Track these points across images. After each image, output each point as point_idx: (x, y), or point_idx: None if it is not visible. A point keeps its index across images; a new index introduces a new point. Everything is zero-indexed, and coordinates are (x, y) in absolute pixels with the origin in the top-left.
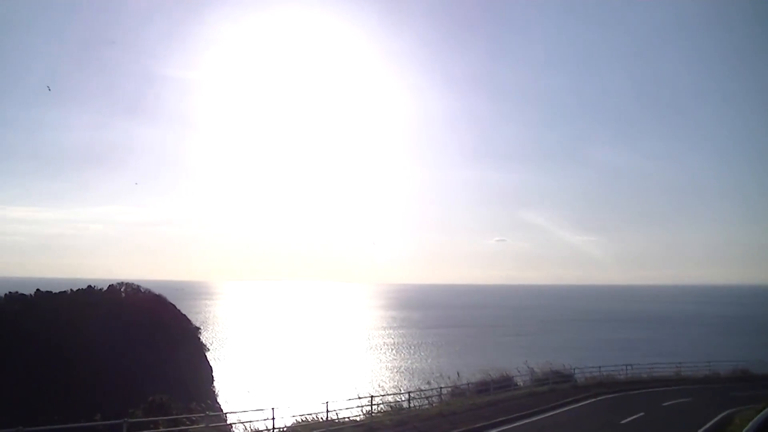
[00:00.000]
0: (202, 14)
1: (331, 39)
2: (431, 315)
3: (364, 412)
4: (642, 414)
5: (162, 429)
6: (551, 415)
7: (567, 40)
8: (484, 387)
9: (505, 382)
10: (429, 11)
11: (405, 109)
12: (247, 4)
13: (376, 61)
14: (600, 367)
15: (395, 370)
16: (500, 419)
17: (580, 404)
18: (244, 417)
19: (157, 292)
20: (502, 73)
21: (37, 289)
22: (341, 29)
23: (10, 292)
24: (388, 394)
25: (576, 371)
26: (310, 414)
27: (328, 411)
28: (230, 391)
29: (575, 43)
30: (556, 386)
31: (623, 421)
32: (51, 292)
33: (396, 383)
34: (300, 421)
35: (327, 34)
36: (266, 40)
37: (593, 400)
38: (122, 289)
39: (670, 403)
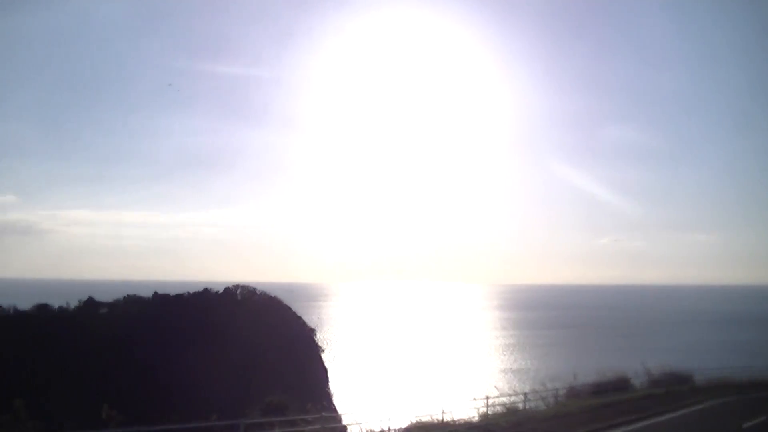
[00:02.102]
0: (310, 15)
1: (435, 37)
2: (545, 316)
3: (480, 413)
4: (765, 418)
5: (278, 430)
6: (669, 418)
7: (676, 36)
8: (599, 388)
9: (620, 384)
10: (535, 8)
11: (509, 108)
12: (354, 4)
13: (480, 60)
14: (719, 368)
15: (510, 371)
16: (617, 421)
17: (699, 406)
18: (359, 418)
19: (271, 293)
20: (608, 70)
21: (155, 292)
22: (445, 27)
23: (128, 295)
24: (503, 395)
25: (694, 373)
26: (426, 415)
27: (443, 412)
28: (346, 392)
29: (685, 39)
30: (673, 388)
31: (746, 425)
32: (168, 294)
33: (511, 384)
34: (415, 422)
35: (431, 33)
36: (372, 40)
37: (712, 402)
38: (238, 292)
39: None
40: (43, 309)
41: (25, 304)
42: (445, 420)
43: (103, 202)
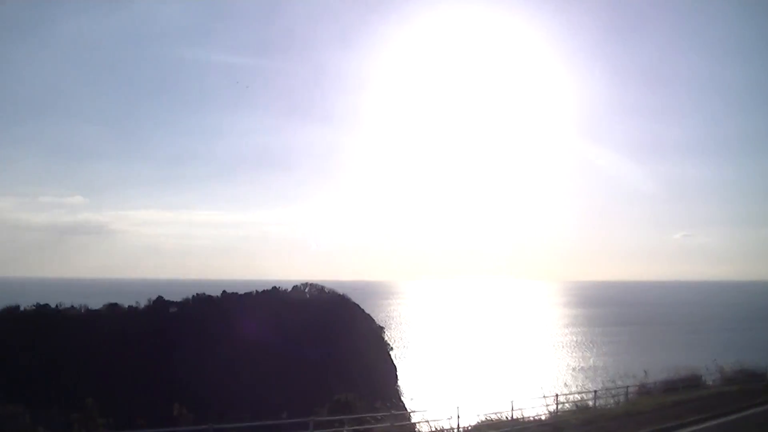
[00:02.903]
0: (371, 14)
1: (496, 32)
2: (614, 312)
3: (550, 410)
4: None
5: (347, 427)
6: (742, 416)
7: (741, 30)
8: (671, 386)
9: (692, 381)
10: (597, 1)
11: (573, 103)
12: (415, 1)
13: (541, 55)
14: None
15: (579, 369)
16: (689, 419)
17: None
18: (428, 416)
19: (339, 292)
20: (673, 64)
21: (224, 291)
22: (506, 22)
23: (197, 294)
24: (573, 393)
25: None
26: (495, 413)
27: (513, 410)
28: (414, 389)
29: (750, 33)
30: (747, 386)
31: None
32: (237, 293)
33: (580, 381)
34: (485, 419)
35: (492, 27)
36: (433, 36)
37: None
38: (306, 290)
39: None
40: (113, 308)
41: (95, 303)
42: (514, 417)
43: (171, 201)
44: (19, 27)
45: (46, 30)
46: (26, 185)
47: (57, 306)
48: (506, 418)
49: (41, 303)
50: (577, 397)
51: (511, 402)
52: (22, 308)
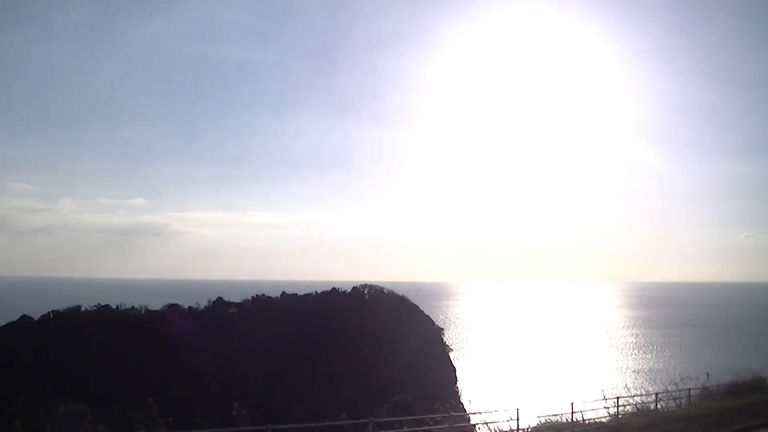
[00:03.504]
0: (429, 13)
1: (555, 32)
2: (674, 314)
3: (610, 413)
4: None
5: (406, 429)
6: None
7: None
8: (734, 389)
9: (757, 384)
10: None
11: (633, 104)
12: (473, 2)
13: (602, 54)
14: None
15: (639, 371)
16: (753, 423)
17: None
18: (487, 417)
19: (399, 293)
20: (737, 63)
21: (283, 292)
22: (564, 21)
23: (257, 295)
24: (634, 396)
25: None
26: (555, 415)
27: (572, 412)
28: (474, 390)
29: None
30: None
31: None
32: (296, 294)
33: (641, 384)
34: (544, 421)
35: (550, 27)
36: (491, 36)
37: None
38: (366, 291)
39: None
40: (173, 309)
41: (155, 304)
42: (574, 420)
43: (230, 203)
44: (80, 32)
45: (106, 35)
46: (87, 187)
47: (117, 306)
48: (566, 420)
49: (102, 303)
50: (638, 399)
51: (571, 404)
52: (83, 309)
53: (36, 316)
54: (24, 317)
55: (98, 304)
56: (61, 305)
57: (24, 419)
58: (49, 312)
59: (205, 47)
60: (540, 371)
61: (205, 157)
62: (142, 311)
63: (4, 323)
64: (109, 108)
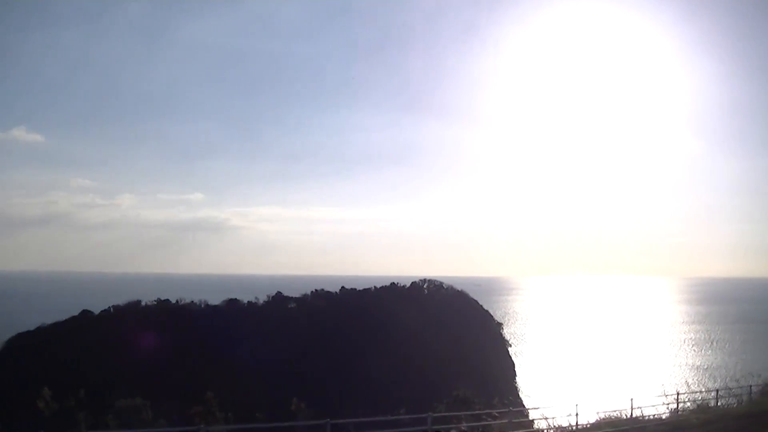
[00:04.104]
0: (491, 10)
1: (615, 26)
2: (737, 310)
3: (670, 409)
4: None
5: (465, 424)
6: None
7: None
8: None
9: None
10: None
11: (693, 98)
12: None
13: (663, 49)
14: None
15: (700, 367)
16: None
17: None
18: (546, 412)
19: (458, 288)
20: None
21: (342, 287)
22: (625, 16)
23: (316, 290)
24: (693, 392)
25: None
26: (614, 411)
27: (632, 408)
28: (532, 385)
29: None
30: None
31: None
32: (355, 289)
33: (701, 380)
34: (603, 417)
35: (611, 23)
36: (551, 32)
37: None
38: (425, 286)
39: None
40: (232, 304)
41: (214, 299)
42: (633, 416)
43: (290, 198)
44: (138, 29)
45: (165, 32)
46: (146, 183)
47: (177, 301)
48: (625, 416)
49: (162, 298)
50: (698, 396)
51: (631, 400)
52: (143, 303)
53: (96, 311)
54: (85, 312)
55: (158, 298)
56: (121, 300)
57: (86, 412)
58: (109, 307)
59: (263, 43)
60: (599, 367)
61: (264, 153)
62: (202, 306)
63: (66, 318)
64: (168, 104)
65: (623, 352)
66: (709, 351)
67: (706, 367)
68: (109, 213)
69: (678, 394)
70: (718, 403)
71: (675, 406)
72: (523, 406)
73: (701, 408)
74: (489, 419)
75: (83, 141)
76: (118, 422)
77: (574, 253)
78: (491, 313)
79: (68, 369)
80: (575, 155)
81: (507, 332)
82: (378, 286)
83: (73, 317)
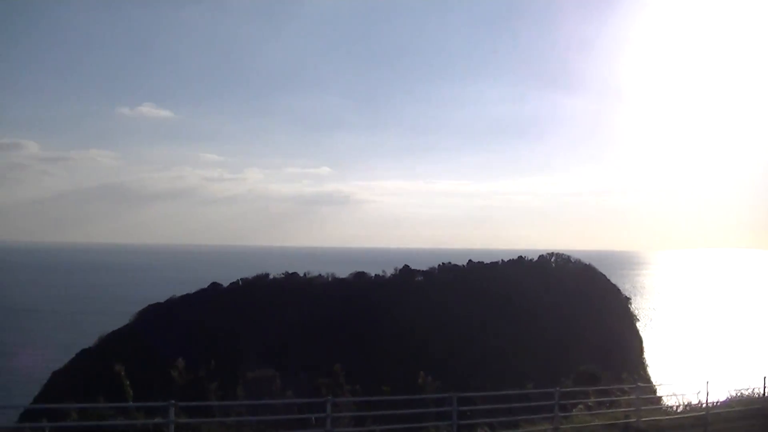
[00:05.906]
0: None
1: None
2: None
3: None
4: None
5: (592, 399)
6: None
7: None
8: None
9: None
10: None
11: None
12: None
13: None
14: None
15: None
16: None
17: None
18: (675, 389)
19: (585, 262)
20: None
21: (469, 260)
22: None
23: (443, 263)
24: None
25: None
26: (746, 389)
27: (765, 386)
28: (661, 361)
29: None
30: None
31: None
32: (482, 262)
33: None
34: (735, 395)
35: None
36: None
37: None
38: (552, 260)
39: None
40: (360, 277)
41: (342, 272)
42: (767, 395)
43: (416, 171)
44: (267, 5)
45: (289, 5)
46: (274, 157)
47: (305, 274)
48: (757, 395)
49: (290, 271)
50: None
51: (764, 378)
52: (271, 276)
53: (225, 284)
54: (214, 284)
55: (286, 271)
56: (249, 273)
57: (217, 383)
58: (238, 279)
59: (388, 17)
60: (731, 344)
61: (390, 126)
62: (330, 279)
63: (196, 290)
64: (293, 78)
65: (757, 329)
66: None
67: None
68: (236, 187)
69: None
70: None
71: None
72: (651, 381)
73: None
74: (617, 395)
75: (210, 116)
76: (248, 393)
77: (708, 227)
78: (619, 288)
79: (199, 340)
80: (707, 126)
81: (635, 307)
82: (505, 259)
83: (203, 290)
